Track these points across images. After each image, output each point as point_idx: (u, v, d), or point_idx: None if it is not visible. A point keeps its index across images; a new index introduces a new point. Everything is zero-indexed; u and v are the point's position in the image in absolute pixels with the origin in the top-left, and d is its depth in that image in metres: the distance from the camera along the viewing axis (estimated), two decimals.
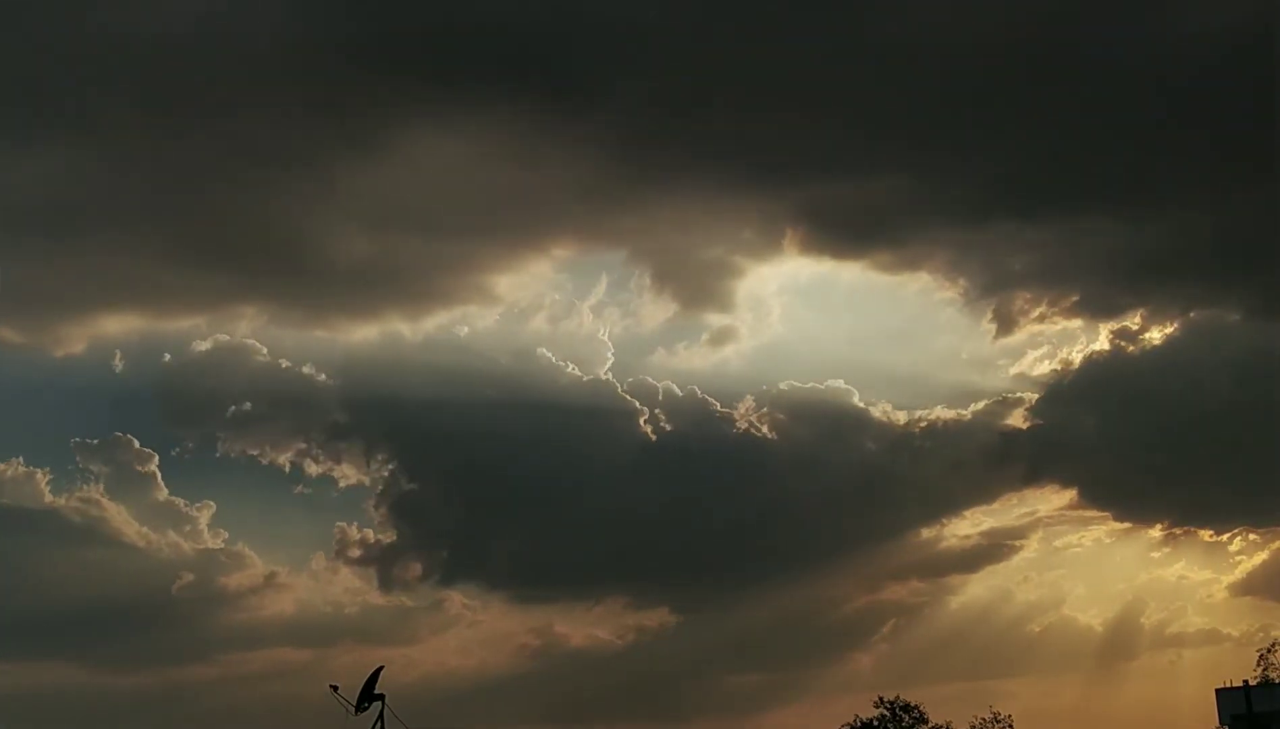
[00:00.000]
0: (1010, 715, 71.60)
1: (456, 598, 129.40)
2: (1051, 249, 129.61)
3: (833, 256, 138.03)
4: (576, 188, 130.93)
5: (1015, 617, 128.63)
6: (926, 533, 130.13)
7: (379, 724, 55.64)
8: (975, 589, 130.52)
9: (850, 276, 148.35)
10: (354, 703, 55.27)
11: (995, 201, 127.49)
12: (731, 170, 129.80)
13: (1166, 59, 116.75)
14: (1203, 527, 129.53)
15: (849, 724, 72.30)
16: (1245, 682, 72.59)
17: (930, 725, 71.52)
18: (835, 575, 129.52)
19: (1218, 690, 73.39)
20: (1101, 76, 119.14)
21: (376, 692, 56.02)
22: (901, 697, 72.34)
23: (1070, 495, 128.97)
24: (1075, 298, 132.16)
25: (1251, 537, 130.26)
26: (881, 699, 72.07)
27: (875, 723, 71.41)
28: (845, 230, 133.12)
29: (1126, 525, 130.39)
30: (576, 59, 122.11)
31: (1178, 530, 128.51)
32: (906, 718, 71.29)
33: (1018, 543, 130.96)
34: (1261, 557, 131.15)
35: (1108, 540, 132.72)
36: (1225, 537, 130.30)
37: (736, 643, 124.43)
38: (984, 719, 71.46)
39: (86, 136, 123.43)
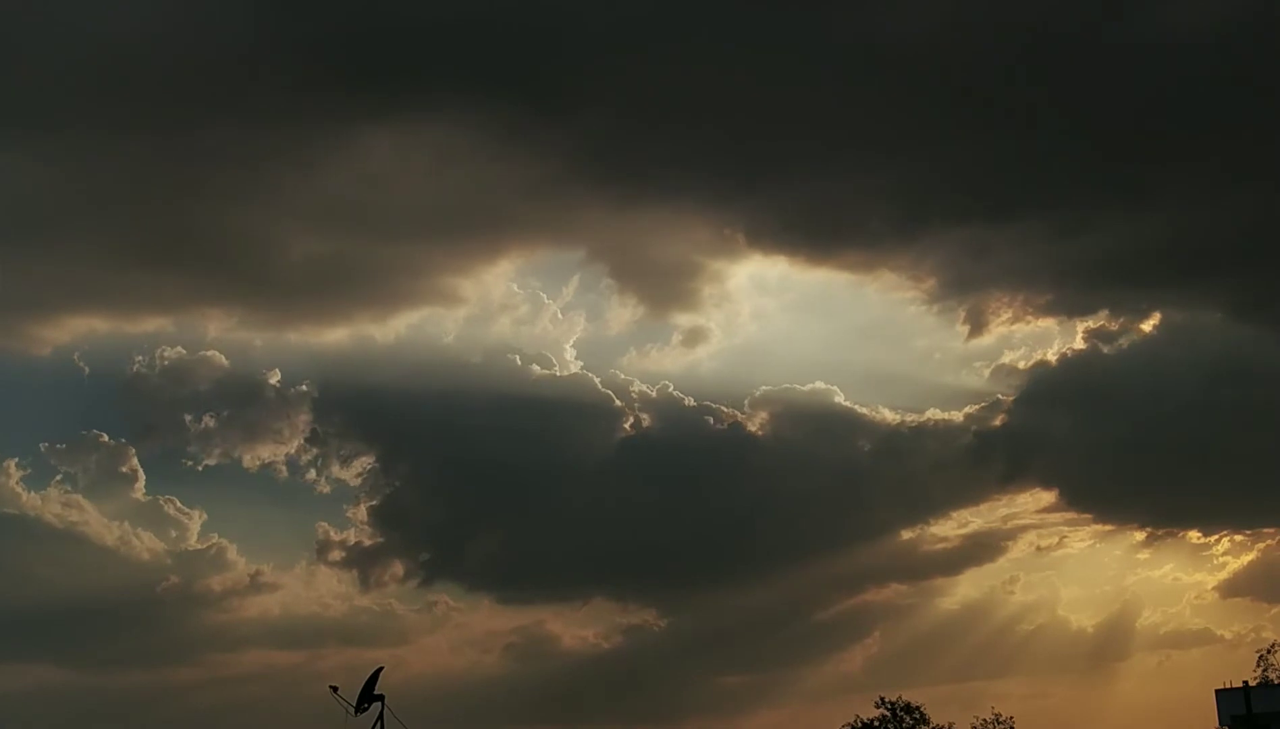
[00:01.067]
0: (1011, 717, 71.08)
1: (444, 599, 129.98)
2: (1024, 249, 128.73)
3: (804, 260, 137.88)
4: (547, 190, 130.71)
5: (1002, 618, 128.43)
6: (907, 535, 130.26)
7: (379, 725, 55.21)
8: (959, 591, 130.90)
9: (822, 279, 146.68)
10: (354, 704, 54.89)
11: (967, 203, 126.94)
12: (702, 173, 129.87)
13: (1141, 61, 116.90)
14: (1188, 528, 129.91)
15: (849, 724, 71.68)
16: (1245, 682, 72.44)
17: (931, 726, 70.96)
18: (818, 578, 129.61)
19: (1217, 691, 73.44)
20: (1075, 78, 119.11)
21: (376, 692, 55.76)
22: (902, 697, 71.67)
23: (1051, 497, 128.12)
24: (1049, 298, 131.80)
25: (1237, 538, 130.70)
26: (883, 700, 71.47)
27: (876, 723, 70.67)
28: (817, 233, 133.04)
29: (1109, 527, 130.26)
30: (546, 65, 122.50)
31: (1159, 531, 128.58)
32: (908, 718, 70.59)
33: (1001, 545, 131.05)
34: (1248, 557, 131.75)
35: (1090, 542, 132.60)
36: (1212, 539, 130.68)
37: (722, 645, 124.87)
38: (985, 720, 70.87)
39: (56, 142, 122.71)
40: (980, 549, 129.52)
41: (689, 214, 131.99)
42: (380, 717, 55.55)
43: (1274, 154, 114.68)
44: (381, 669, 56.82)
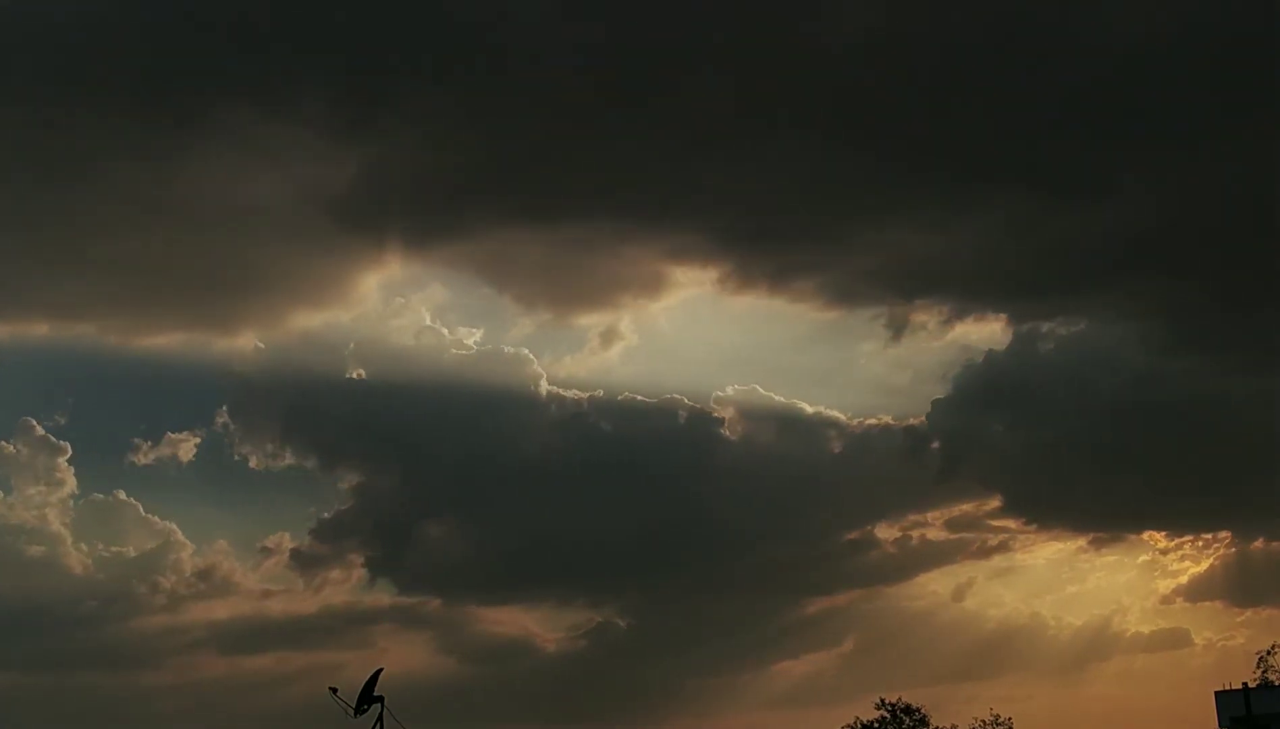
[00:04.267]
0: (1011, 718, 71.21)
1: (401, 601, 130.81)
2: (947, 251, 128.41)
3: (722, 263, 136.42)
4: (450, 191, 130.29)
5: (956, 623, 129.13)
6: (850, 539, 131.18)
7: (378, 726, 55.12)
8: (909, 597, 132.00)
9: (738, 285, 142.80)
10: (353, 704, 54.83)
11: (890, 203, 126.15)
12: (612, 175, 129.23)
13: (1053, 57, 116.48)
14: (1139, 531, 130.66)
15: (849, 726, 71.91)
16: (1245, 684, 72.35)
17: (932, 728, 71.14)
18: (761, 585, 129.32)
19: (1217, 693, 73.39)
20: (989, 76, 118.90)
21: (376, 693, 55.71)
22: (902, 698, 71.92)
23: (995, 502, 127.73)
24: (973, 300, 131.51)
25: (1199, 542, 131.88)
26: (882, 701, 71.74)
27: (876, 724, 70.81)
28: (735, 236, 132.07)
29: (1055, 531, 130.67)
30: (458, 57, 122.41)
31: (1104, 534, 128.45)
32: (908, 720, 70.72)
33: (944, 553, 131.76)
34: (1208, 562, 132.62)
35: (1035, 546, 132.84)
36: (1173, 542, 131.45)
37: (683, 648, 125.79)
38: (984, 721, 70.94)
39: None
40: (930, 556, 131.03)
41: (600, 217, 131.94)
42: (380, 718, 55.48)
43: (1204, 151, 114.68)
44: (381, 670, 56.82)
